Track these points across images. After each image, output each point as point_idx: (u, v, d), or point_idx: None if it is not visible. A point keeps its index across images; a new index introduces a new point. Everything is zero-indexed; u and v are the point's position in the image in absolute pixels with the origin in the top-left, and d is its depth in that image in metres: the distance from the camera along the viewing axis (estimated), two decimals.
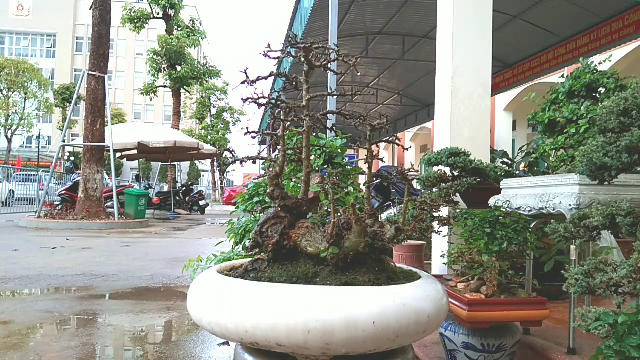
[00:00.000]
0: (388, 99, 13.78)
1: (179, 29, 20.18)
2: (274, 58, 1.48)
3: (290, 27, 8.06)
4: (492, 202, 2.21)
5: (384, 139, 1.56)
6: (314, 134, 2.96)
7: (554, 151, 2.38)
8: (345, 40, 8.98)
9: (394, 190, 6.61)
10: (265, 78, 1.47)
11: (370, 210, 1.43)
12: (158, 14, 19.71)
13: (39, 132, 36.58)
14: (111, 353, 2.45)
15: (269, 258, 1.38)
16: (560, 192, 1.75)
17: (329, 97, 2.58)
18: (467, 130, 2.97)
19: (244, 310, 1.14)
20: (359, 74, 11.26)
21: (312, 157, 2.58)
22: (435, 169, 2.56)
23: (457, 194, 2.50)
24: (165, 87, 21.00)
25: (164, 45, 19.29)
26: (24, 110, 34.48)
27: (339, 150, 2.90)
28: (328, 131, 2.69)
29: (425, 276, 1.38)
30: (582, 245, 1.74)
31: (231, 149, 1.70)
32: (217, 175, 32.73)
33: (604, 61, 2.61)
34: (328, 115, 1.61)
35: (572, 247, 1.75)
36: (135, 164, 31.32)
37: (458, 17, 3.01)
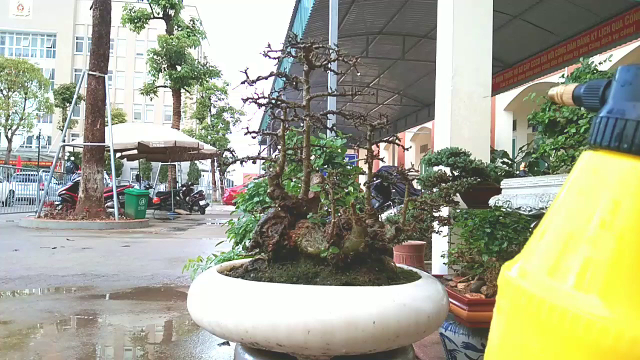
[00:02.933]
0: (388, 99, 13.78)
1: (179, 29, 20.20)
2: (274, 58, 1.48)
3: (290, 27, 8.06)
4: (492, 202, 2.21)
5: (384, 139, 1.56)
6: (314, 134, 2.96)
7: (554, 151, 2.38)
8: (345, 40, 8.98)
9: (394, 190, 6.62)
10: (265, 78, 1.47)
11: (370, 210, 1.43)
12: (158, 14, 19.73)
13: (39, 132, 36.59)
14: (111, 353, 2.45)
15: (269, 258, 1.38)
16: None
17: (329, 97, 2.58)
18: (467, 130, 2.97)
19: (244, 310, 1.14)
20: (358, 74, 11.26)
21: (312, 157, 2.58)
22: (435, 168, 2.57)
23: (457, 194, 2.50)
24: (165, 87, 21.02)
25: (164, 45, 19.30)
26: (24, 110, 34.49)
27: (339, 150, 2.90)
28: (328, 131, 2.69)
29: (426, 276, 1.38)
30: None
31: (231, 149, 1.70)
32: (217, 175, 32.75)
33: (604, 61, 2.60)
34: (328, 115, 1.61)
35: None
36: (135, 164, 31.35)
37: (458, 17, 3.01)
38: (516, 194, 2.07)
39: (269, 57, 1.44)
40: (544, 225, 0.45)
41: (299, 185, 1.70)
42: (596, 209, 0.40)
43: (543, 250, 0.43)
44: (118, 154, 14.14)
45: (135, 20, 19.51)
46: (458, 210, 2.18)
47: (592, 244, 0.39)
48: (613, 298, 0.37)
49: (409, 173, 1.51)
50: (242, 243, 2.61)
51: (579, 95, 0.53)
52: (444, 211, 2.49)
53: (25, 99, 34.11)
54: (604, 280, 0.38)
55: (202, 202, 15.97)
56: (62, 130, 21.79)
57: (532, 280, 0.43)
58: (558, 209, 0.44)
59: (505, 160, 3.56)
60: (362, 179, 3.54)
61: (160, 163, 17.32)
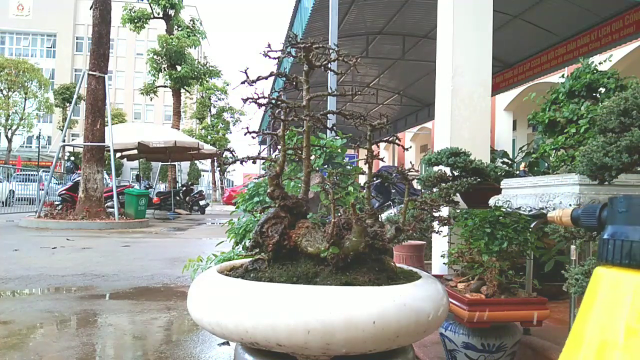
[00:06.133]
0: (388, 99, 13.78)
1: (179, 29, 20.20)
2: (274, 58, 1.48)
3: (291, 27, 8.06)
4: (492, 202, 2.20)
5: (384, 139, 1.56)
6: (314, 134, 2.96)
7: (554, 151, 2.38)
8: (345, 40, 8.98)
9: (394, 190, 6.61)
10: (266, 78, 1.47)
11: (370, 210, 1.43)
12: (158, 14, 19.72)
13: (39, 132, 36.58)
14: (111, 353, 2.45)
15: (269, 258, 1.38)
16: (560, 192, 1.75)
17: (329, 97, 2.58)
18: (467, 130, 2.97)
19: (244, 310, 1.14)
20: (359, 73, 11.26)
21: (312, 157, 2.58)
22: (435, 168, 2.56)
23: (457, 194, 2.50)
24: (165, 87, 21.01)
25: (164, 45, 19.30)
26: (24, 110, 34.48)
27: (339, 150, 2.90)
28: (328, 131, 2.70)
29: (426, 276, 1.38)
30: (582, 245, 1.75)
31: (231, 149, 1.70)
32: (217, 175, 32.75)
33: (604, 61, 2.60)
34: (328, 115, 1.61)
35: (572, 247, 1.75)
36: (135, 164, 31.34)
37: (458, 17, 3.01)
38: (516, 194, 2.06)
39: (269, 57, 1.44)
40: (576, 334, 0.52)
41: (299, 185, 1.70)
42: (621, 318, 0.46)
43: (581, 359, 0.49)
44: (118, 154, 14.14)
45: (135, 20, 19.51)
46: (458, 210, 2.17)
47: (624, 350, 0.44)
48: None
49: (409, 173, 1.51)
50: (242, 243, 2.61)
51: (577, 216, 0.64)
52: (444, 211, 2.48)
53: (25, 99, 34.10)
54: None
55: (202, 202, 15.97)
56: (62, 130, 21.79)
57: None
58: (587, 320, 0.51)
59: (505, 160, 3.56)
60: (362, 179, 3.53)
61: (160, 163, 17.32)
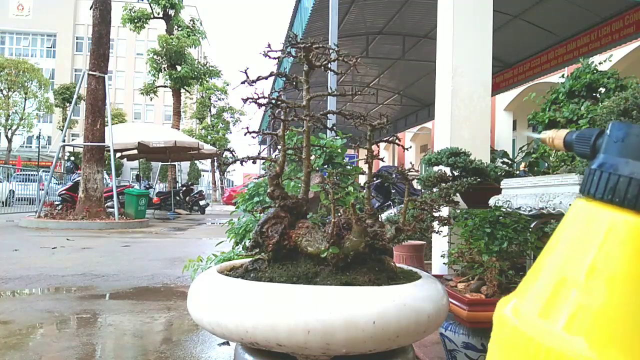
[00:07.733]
0: (388, 99, 13.78)
1: (179, 29, 20.20)
2: (274, 58, 1.48)
3: (291, 27, 8.06)
4: (492, 202, 2.20)
5: (384, 139, 1.56)
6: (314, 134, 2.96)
7: (554, 151, 2.38)
8: (345, 40, 8.99)
9: (394, 191, 6.61)
10: (266, 78, 1.47)
11: (370, 210, 1.43)
12: (158, 13, 19.72)
13: (39, 132, 36.60)
14: (111, 353, 2.45)
15: (269, 258, 1.38)
16: (560, 192, 1.75)
17: (329, 97, 2.58)
18: (467, 130, 2.97)
19: (244, 310, 1.14)
20: (359, 73, 11.26)
21: (312, 157, 2.58)
22: (435, 168, 2.57)
23: (457, 194, 2.50)
24: (165, 87, 21.00)
25: (164, 45, 19.30)
26: (24, 110, 34.48)
27: (339, 150, 2.90)
28: (328, 131, 2.70)
29: (426, 276, 1.38)
30: None
31: (231, 149, 1.70)
32: (217, 175, 32.78)
33: (604, 61, 2.60)
34: (328, 115, 1.61)
35: None
36: (135, 164, 31.36)
37: (458, 17, 3.01)
38: (516, 194, 2.06)
39: (269, 57, 1.44)
40: (538, 265, 0.48)
41: (299, 185, 1.70)
42: (587, 256, 0.43)
43: (536, 292, 0.46)
44: (118, 154, 14.14)
45: (135, 20, 19.51)
46: (458, 210, 2.17)
47: (583, 289, 0.42)
48: (600, 341, 0.39)
49: (409, 173, 1.51)
50: (242, 243, 2.61)
51: (571, 141, 0.59)
52: (444, 211, 2.49)
53: (25, 99, 34.09)
54: (592, 324, 0.40)
55: (202, 202, 15.97)
56: (62, 130, 21.81)
57: (524, 319, 0.45)
58: (552, 252, 0.47)
59: (505, 160, 3.55)
60: (362, 179, 3.53)
61: (160, 163, 17.32)
